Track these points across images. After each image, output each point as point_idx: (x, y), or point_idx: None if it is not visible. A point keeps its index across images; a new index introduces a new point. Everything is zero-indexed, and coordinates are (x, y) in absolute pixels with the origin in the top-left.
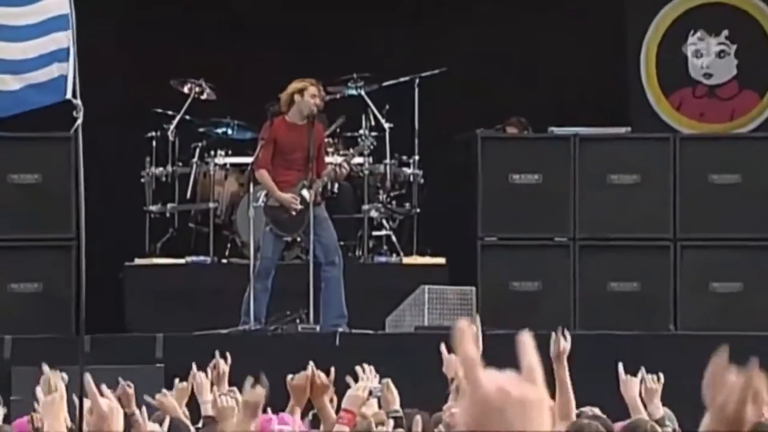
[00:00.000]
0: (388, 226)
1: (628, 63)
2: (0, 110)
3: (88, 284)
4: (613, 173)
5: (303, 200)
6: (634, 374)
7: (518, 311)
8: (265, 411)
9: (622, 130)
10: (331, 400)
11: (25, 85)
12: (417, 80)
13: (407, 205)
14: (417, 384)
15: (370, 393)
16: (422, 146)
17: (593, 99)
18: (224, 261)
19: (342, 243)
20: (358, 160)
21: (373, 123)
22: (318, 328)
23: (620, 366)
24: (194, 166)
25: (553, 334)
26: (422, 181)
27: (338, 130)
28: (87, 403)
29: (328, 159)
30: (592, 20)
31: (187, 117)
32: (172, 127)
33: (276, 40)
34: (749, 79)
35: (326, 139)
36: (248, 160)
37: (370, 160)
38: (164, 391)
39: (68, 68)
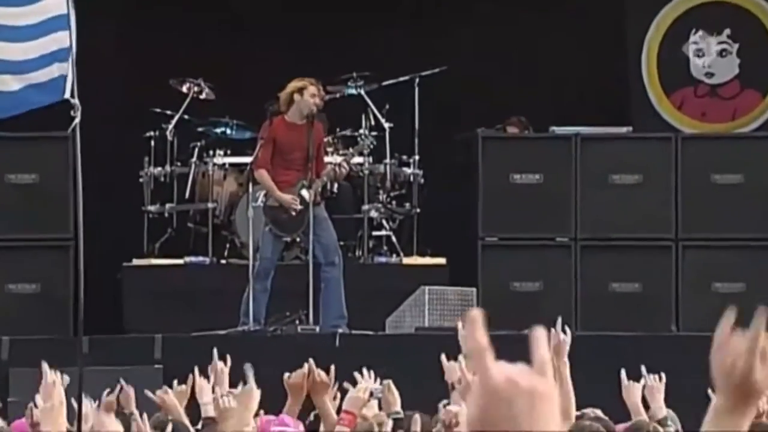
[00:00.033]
0: (388, 227)
1: (629, 62)
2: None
3: (86, 285)
4: (614, 173)
5: (302, 200)
6: (636, 376)
7: (519, 312)
8: (265, 412)
9: (624, 129)
10: (335, 398)
11: (25, 86)
12: (417, 79)
13: (407, 205)
14: (417, 385)
15: (371, 394)
16: (422, 146)
17: (594, 98)
18: (223, 261)
19: (342, 243)
20: (357, 159)
21: (373, 122)
22: (318, 329)
23: (623, 372)
24: (193, 165)
25: (552, 330)
26: (422, 181)
27: (338, 129)
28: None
29: (327, 159)
30: (593, 19)
31: (186, 116)
32: (170, 126)
33: (275, 40)
34: (751, 79)
35: (326, 139)
36: (247, 159)
37: (370, 159)
38: (166, 388)
39: (67, 68)
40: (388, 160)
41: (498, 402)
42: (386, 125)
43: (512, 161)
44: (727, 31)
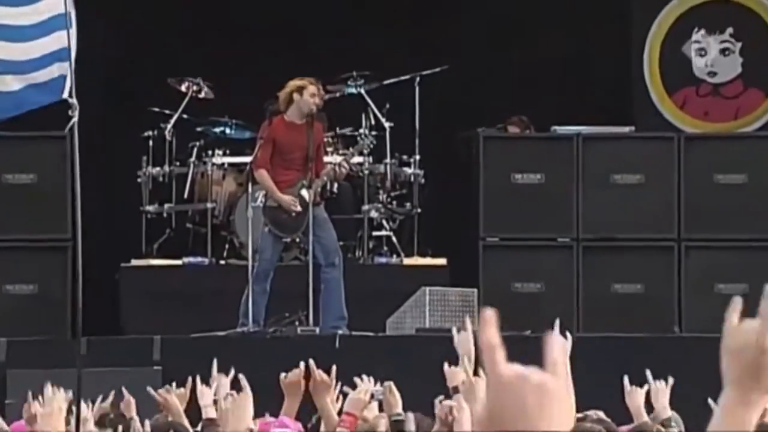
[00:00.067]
0: (388, 227)
1: (631, 61)
2: (0, 111)
3: (84, 285)
4: (616, 173)
5: (302, 200)
6: (638, 377)
7: (520, 313)
8: (263, 415)
9: (626, 129)
10: (338, 399)
11: (26, 85)
12: (418, 79)
13: (408, 205)
14: (418, 386)
15: (372, 396)
16: (423, 145)
17: (596, 98)
18: (222, 262)
19: (342, 244)
20: (357, 159)
21: (373, 122)
22: (317, 330)
23: (626, 378)
24: (192, 165)
25: (556, 331)
26: (423, 180)
27: (337, 129)
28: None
29: (327, 158)
30: (595, 18)
31: (185, 116)
32: (169, 126)
33: (275, 38)
34: (754, 78)
35: (326, 139)
36: (246, 159)
37: (370, 159)
38: (168, 387)
39: (67, 67)
40: (388, 160)
41: (508, 397)
42: (386, 125)
43: (513, 161)
44: (730, 30)
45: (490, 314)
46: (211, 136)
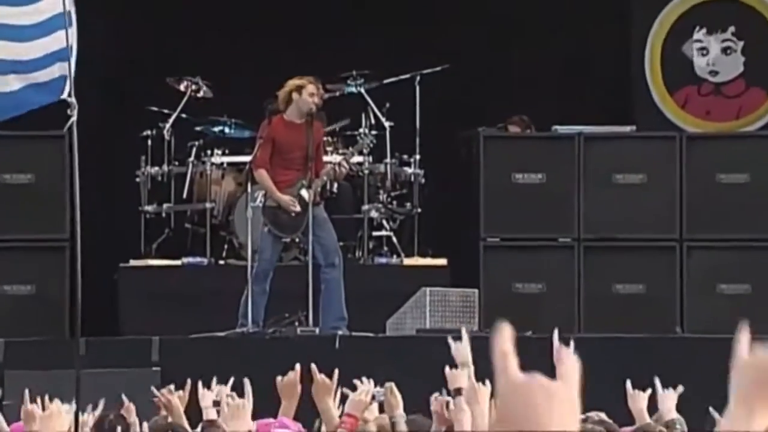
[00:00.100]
0: (388, 227)
1: (632, 60)
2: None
3: (82, 286)
4: (618, 173)
5: (302, 200)
6: (640, 378)
7: (521, 313)
8: (262, 416)
9: (627, 128)
10: (342, 401)
11: (25, 85)
12: (418, 78)
13: (408, 205)
14: (419, 388)
15: (373, 397)
16: (423, 145)
17: (596, 97)
18: (221, 262)
19: (341, 244)
20: (357, 159)
21: (373, 121)
22: (317, 330)
23: (628, 383)
24: (191, 165)
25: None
26: (423, 180)
27: (337, 129)
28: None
29: (326, 158)
30: (596, 17)
31: (184, 115)
32: (168, 125)
33: (274, 37)
34: (756, 77)
35: (325, 138)
36: (246, 159)
37: (370, 159)
38: (171, 388)
39: (68, 67)
40: (388, 160)
41: (519, 400)
42: (387, 124)
43: (514, 161)
44: (732, 29)
45: (504, 326)
46: (210, 136)
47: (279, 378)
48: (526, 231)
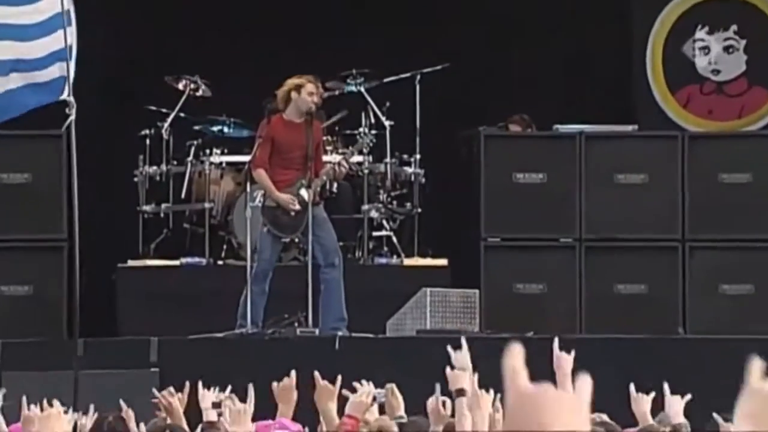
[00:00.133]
0: (388, 227)
1: (633, 59)
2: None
3: (80, 286)
4: (619, 172)
5: (301, 200)
6: (641, 379)
7: (522, 314)
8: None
9: (629, 128)
10: (342, 403)
11: (25, 84)
12: (418, 77)
13: (408, 205)
14: (419, 389)
15: (374, 399)
16: (423, 144)
17: (597, 96)
18: (220, 262)
19: (341, 244)
20: (357, 158)
21: (373, 120)
22: (317, 331)
23: (632, 385)
24: (189, 165)
25: (556, 348)
26: (423, 180)
27: (337, 128)
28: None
29: (326, 157)
30: (597, 15)
31: (182, 114)
32: (166, 124)
33: (274, 37)
34: (759, 76)
35: (325, 137)
36: (245, 158)
37: (370, 158)
38: (171, 389)
39: (67, 67)
40: (388, 159)
41: (528, 410)
42: (387, 123)
43: (515, 160)
44: (734, 27)
45: (516, 347)
46: (208, 135)
47: (275, 384)
48: (527, 231)
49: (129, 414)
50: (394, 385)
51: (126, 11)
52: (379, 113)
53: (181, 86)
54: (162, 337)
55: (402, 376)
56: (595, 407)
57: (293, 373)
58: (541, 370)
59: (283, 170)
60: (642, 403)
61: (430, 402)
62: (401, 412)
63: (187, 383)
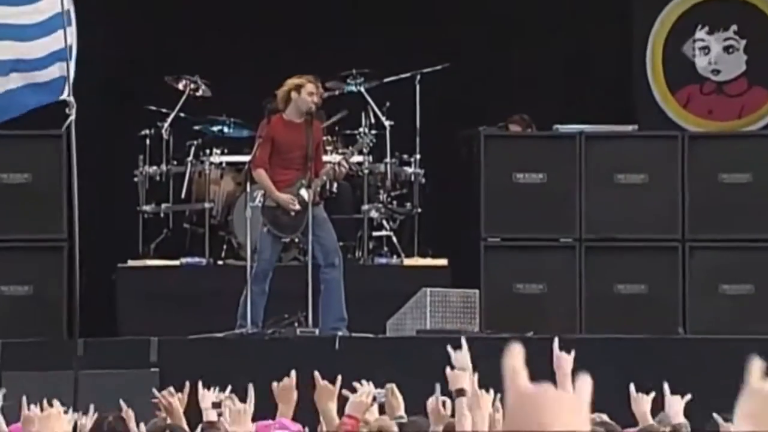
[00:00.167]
0: (388, 227)
1: (633, 59)
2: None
3: (80, 286)
4: (619, 172)
5: (301, 200)
6: (642, 379)
7: (522, 314)
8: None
9: (629, 128)
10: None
11: (25, 84)
12: (418, 77)
13: (408, 205)
14: (419, 389)
15: (374, 399)
16: (424, 144)
17: (597, 96)
18: (220, 262)
19: (341, 244)
20: (357, 158)
21: (373, 120)
22: (317, 331)
23: (632, 385)
24: (189, 165)
25: (556, 348)
26: (423, 180)
27: (337, 128)
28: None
29: (326, 157)
30: (597, 15)
31: (182, 114)
32: (166, 124)
33: (274, 37)
34: (759, 76)
35: (325, 137)
36: (245, 158)
37: (370, 158)
38: (171, 390)
39: (67, 67)
40: (388, 159)
41: (528, 410)
42: (387, 123)
43: (515, 160)
44: (734, 27)
45: (516, 347)
46: (208, 135)
47: (275, 384)
48: (527, 231)
49: (129, 414)
50: (394, 385)
51: (126, 11)
52: (379, 113)
53: (181, 86)
54: (162, 337)
55: (402, 376)
56: (595, 407)
57: (293, 373)
58: (541, 370)
59: (283, 170)
60: (642, 403)
61: (430, 402)
62: (401, 412)
63: (187, 383)
